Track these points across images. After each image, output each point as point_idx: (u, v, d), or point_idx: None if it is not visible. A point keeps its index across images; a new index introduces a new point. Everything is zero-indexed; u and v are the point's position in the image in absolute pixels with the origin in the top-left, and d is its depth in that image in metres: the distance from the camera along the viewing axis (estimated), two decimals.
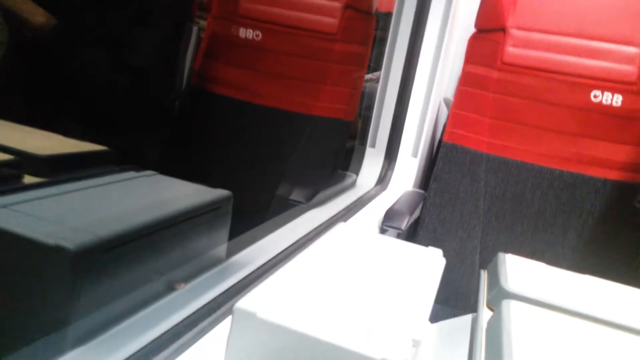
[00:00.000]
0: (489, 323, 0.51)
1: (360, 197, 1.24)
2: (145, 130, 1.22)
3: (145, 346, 0.48)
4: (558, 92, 1.26)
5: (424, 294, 0.52)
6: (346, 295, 0.48)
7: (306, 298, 0.46)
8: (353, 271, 0.54)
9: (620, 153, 1.24)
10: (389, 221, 1.11)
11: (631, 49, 1.22)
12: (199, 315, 0.54)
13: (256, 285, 0.64)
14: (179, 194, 0.67)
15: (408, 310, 0.48)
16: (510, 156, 1.31)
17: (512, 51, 1.28)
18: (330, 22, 1.36)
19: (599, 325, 0.51)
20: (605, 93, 1.24)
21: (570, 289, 0.59)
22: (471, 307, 1.24)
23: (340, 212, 1.07)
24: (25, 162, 0.61)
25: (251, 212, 0.97)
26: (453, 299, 1.32)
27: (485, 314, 0.55)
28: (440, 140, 1.40)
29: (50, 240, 0.44)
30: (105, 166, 0.69)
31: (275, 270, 0.66)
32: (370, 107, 1.44)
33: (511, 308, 0.50)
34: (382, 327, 0.44)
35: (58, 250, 0.44)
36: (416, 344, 0.44)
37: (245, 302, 0.43)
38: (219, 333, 0.52)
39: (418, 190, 1.41)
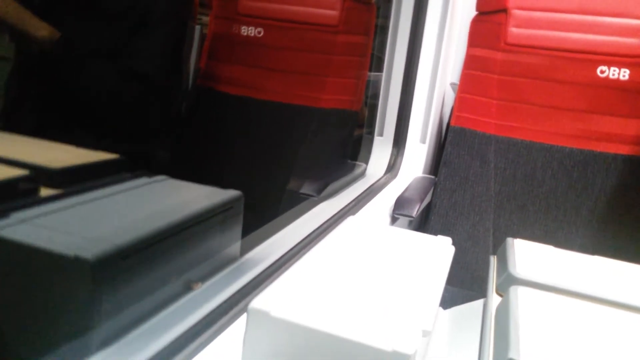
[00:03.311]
0: (498, 309, 0.53)
1: (371, 187, 1.25)
2: (154, 134, 1.23)
3: (166, 347, 0.50)
4: (564, 70, 1.26)
5: (433, 284, 0.54)
6: (357, 289, 0.49)
7: (318, 294, 0.47)
8: (363, 265, 0.55)
9: (630, 127, 1.24)
10: (399, 209, 1.12)
11: (635, 22, 1.21)
12: (216, 314, 0.56)
13: (270, 281, 0.66)
14: (191, 197, 0.68)
15: (418, 301, 0.49)
16: (519, 136, 1.31)
17: (515, 31, 1.27)
18: (331, 14, 1.36)
19: (609, 308, 0.52)
20: (612, 68, 1.23)
21: (580, 272, 0.60)
22: (485, 289, 1.26)
23: (351, 202, 1.08)
24: (39, 175, 0.63)
25: (263, 208, 0.99)
26: (468, 281, 1.32)
27: (494, 300, 0.57)
28: (448, 125, 1.40)
29: (69, 252, 0.46)
30: (117, 174, 0.71)
31: (288, 266, 0.68)
32: (376, 96, 1.44)
33: (519, 294, 0.51)
34: (392, 319, 0.45)
35: (77, 261, 0.46)
36: (426, 334, 0.45)
37: (259, 302, 0.45)
38: (236, 330, 0.54)
39: (428, 176, 1.42)
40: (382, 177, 1.35)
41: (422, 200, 1.17)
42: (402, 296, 0.49)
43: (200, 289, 0.60)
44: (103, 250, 0.48)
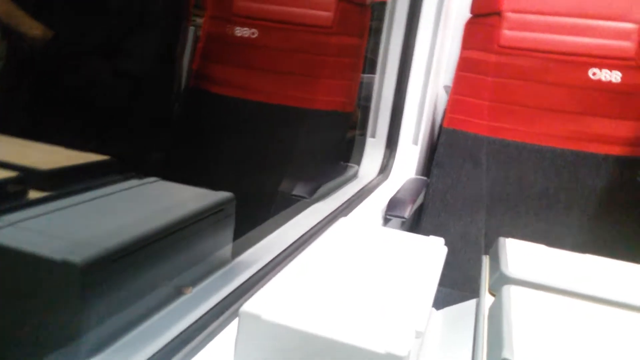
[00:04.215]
0: (490, 309, 0.52)
1: (363, 188, 1.25)
2: (147, 135, 1.23)
3: (157, 352, 0.49)
4: (556, 72, 1.26)
5: (426, 284, 0.53)
6: (349, 291, 0.49)
7: (309, 297, 0.47)
8: (355, 267, 0.55)
9: (620, 128, 1.24)
10: (392, 210, 1.12)
11: (628, 25, 1.21)
12: (208, 319, 0.55)
13: (262, 284, 0.65)
14: (182, 200, 0.68)
15: (410, 302, 0.49)
16: (511, 138, 1.31)
17: (508, 34, 1.28)
18: (326, 15, 1.36)
19: (601, 306, 0.52)
20: (604, 70, 1.23)
21: (572, 270, 0.60)
22: (478, 289, 1.26)
23: (343, 204, 1.08)
24: (28, 177, 0.62)
25: (255, 210, 0.99)
26: (460, 282, 1.32)
27: (487, 300, 0.56)
28: (440, 127, 1.40)
29: (58, 256, 0.46)
30: (107, 176, 0.70)
31: (280, 269, 0.68)
32: (369, 98, 1.44)
33: (511, 293, 0.51)
34: (386, 321, 0.45)
35: (66, 265, 0.46)
36: (419, 335, 0.45)
37: (250, 305, 0.45)
38: (228, 335, 0.54)
39: (420, 177, 1.42)
40: (375, 178, 1.35)
41: (414, 202, 1.17)
42: (395, 297, 0.49)
43: (191, 293, 0.60)
44: (92, 253, 0.48)
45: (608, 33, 1.22)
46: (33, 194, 0.61)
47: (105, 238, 0.51)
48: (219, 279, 0.65)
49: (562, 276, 0.58)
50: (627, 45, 1.22)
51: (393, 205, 1.12)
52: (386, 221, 1.12)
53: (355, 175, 1.36)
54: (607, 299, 0.54)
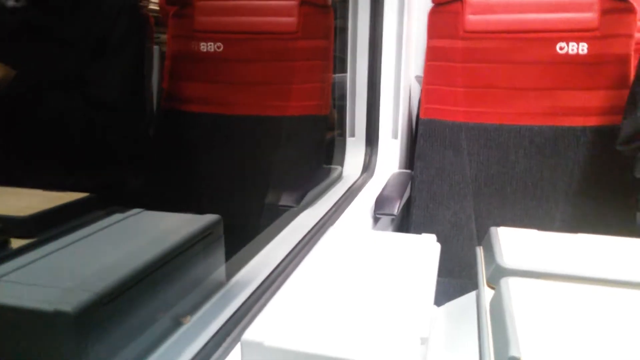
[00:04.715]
0: (491, 303, 0.52)
1: (349, 189, 1.24)
2: (123, 164, 1.21)
3: None
4: (524, 51, 1.27)
5: (424, 287, 0.53)
6: (348, 305, 0.49)
7: (310, 316, 0.47)
8: (351, 277, 0.54)
9: (594, 99, 1.26)
10: (380, 209, 1.11)
11: None
12: (210, 348, 0.54)
13: (260, 304, 0.65)
14: (168, 228, 0.67)
15: (411, 307, 0.49)
16: (488, 121, 1.32)
17: (472, 19, 1.28)
18: (289, 21, 1.35)
19: (602, 287, 0.52)
20: (571, 43, 1.25)
21: (567, 253, 0.61)
22: (475, 276, 1.27)
23: (331, 209, 1.07)
24: (8, 226, 0.61)
25: (244, 226, 0.98)
26: (457, 271, 1.33)
27: (486, 293, 0.56)
28: (417, 118, 1.40)
29: (48, 307, 0.44)
30: (90, 213, 0.69)
31: (277, 286, 0.67)
32: (343, 97, 1.44)
33: (510, 285, 0.51)
34: (389, 331, 0.44)
35: (58, 315, 0.44)
36: (424, 341, 0.45)
37: (251, 332, 0.44)
38: None
39: (404, 170, 1.42)
40: (359, 177, 1.35)
41: (401, 197, 1.17)
42: (395, 304, 0.49)
43: (190, 323, 0.59)
44: (84, 299, 0.46)
45: (570, 6, 1.24)
46: (15, 243, 0.60)
47: (96, 280, 0.50)
48: (216, 304, 0.64)
49: (558, 261, 0.58)
50: (589, 16, 1.23)
51: (381, 204, 1.12)
52: (376, 220, 1.12)
53: (339, 177, 1.35)
54: (607, 278, 0.55)
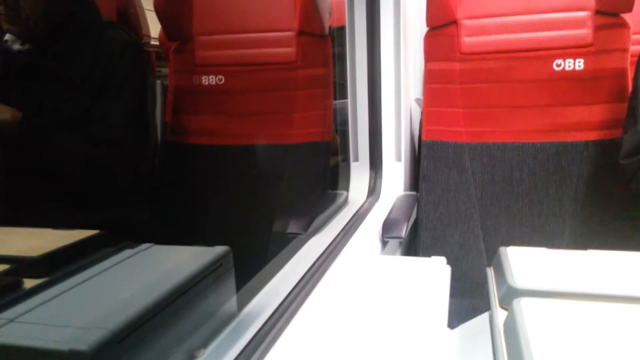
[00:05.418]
0: (505, 325, 0.52)
1: (356, 213, 1.25)
2: (131, 200, 1.22)
3: None
4: (521, 69, 1.29)
5: (436, 310, 0.53)
6: (363, 334, 0.49)
7: (324, 347, 0.46)
8: (364, 305, 0.54)
9: (594, 113, 1.27)
10: (388, 232, 1.12)
11: (582, 13, 1.25)
12: None
13: (273, 335, 0.64)
14: (179, 262, 0.67)
15: (425, 333, 0.49)
16: (491, 140, 1.33)
17: (468, 41, 1.30)
18: (288, 51, 1.37)
19: (616, 304, 0.52)
20: (567, 60, 1.26)
21: (578, 271, 0.60)
22: (486, 295, 1.27)
23: (339, 234, 1.07)
24: (20, 267, 0.61)
25: (253, 255, 0.98)
26: (467, 290, 1.32)
27: (499, 315, 0.56)
28: (419, 140, 1.41)
29: (63, 347, 0.45)
30: (100, 250, 0.69)
31: (289, 315, 0.67)
32: (345, 122, 1.45)
33: (523, 306, 0.50)
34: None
35: (73, 354, 0.44)
36: None
37: None
38: None
39: (410, 192, 1.42)
40: (365, 201, 1.35)
41: (408, 219, 1.18)
42: (409, 331, 0.49)
43: (203, 356, 0.59)
44: (99, 337, 0.46)
45: (564, 24, 1.26)
46: (28, 283, 0.60)
47: (109, 318, 0.50)
48: (229, 335, 0.64)
49: (570, 279, 0.58)
50: (584, 32, 1.25)
51: (389, 227, 1.12)
52: (384, 243, 1.12)
53: (345, 202, 1.36)
54: (621, 295, 0.54)
